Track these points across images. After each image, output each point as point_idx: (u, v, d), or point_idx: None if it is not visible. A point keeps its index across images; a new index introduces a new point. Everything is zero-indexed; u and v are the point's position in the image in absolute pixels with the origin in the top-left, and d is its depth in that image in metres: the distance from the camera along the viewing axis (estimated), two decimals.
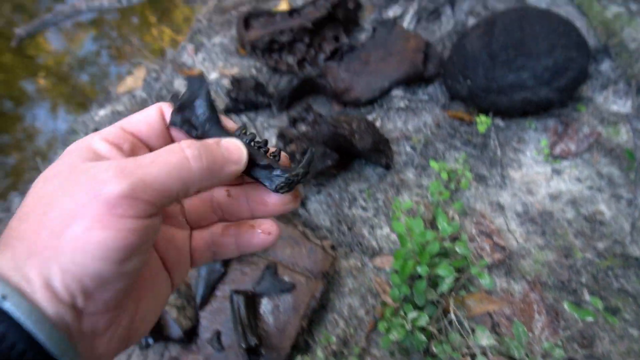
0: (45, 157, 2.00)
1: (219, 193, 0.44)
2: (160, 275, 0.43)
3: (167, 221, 0.43)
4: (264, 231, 0.45)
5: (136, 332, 0.39)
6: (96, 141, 0.38)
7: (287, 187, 0.41)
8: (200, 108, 0.40)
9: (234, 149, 0.39)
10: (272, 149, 0.42)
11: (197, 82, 0.38)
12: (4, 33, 2.68)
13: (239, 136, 0.41)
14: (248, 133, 0.42)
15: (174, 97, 0.36)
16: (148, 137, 0.41)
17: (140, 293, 0.39)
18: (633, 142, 1.26)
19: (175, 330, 1.23)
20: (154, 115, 0.41)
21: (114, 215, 0.31)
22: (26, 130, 2.19)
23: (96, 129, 1.84)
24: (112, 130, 0.39)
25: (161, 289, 0.43)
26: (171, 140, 0.42)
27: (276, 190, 0.41)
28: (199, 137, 0.40)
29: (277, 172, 0.41)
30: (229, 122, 0.43)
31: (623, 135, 1.33)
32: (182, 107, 0.40)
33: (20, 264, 0.31)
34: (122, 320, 0.37)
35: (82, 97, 2.26)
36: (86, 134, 1.82)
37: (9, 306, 0.29)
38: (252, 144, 0.41)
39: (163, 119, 0.41)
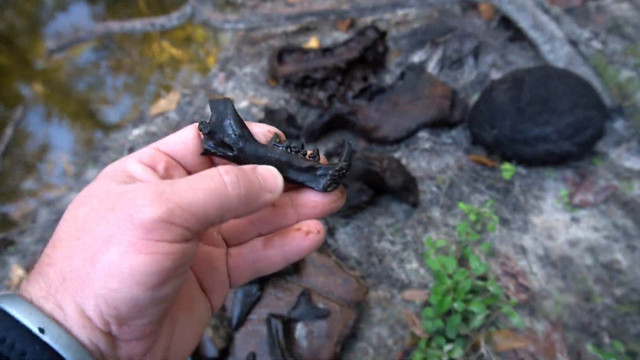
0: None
1: None
2: (198, 299, 0.42)
3: (202, 239, 0.42)
4: (312, 231, 0.43)
5: (174, 358, 0.38)
6: (130, 163, 0.38)
7: (334, 183, 0.41)
8: (229, 128, 0.40)
9: (270, 177, 0.39)
10: (309, 152, 0.42)
11: (221, 102, 0.40)
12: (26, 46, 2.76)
13: (274, 146, 0.41)
14: (283, 141, 0.42)
15: (202, 125, 0.39)
16: (183, 157, 0.41)
17: (177, 318, 0.39)
18: None
19: (211, 350, 1.28)
20: (189, 135, 0.41)
21: (149, 239, 0.31)
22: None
23: (132, 148, 1.91)
24: (146, 151, 0.39)
25: (200, 312, 0.41)
26: (207, 161, 0.42)
27: (324, 189, 0.41)
28: (236, 157, 0.41)
29: (321, 171, 0.41)
30: (261, 127, 0.43)
31: (636, 190, 1.44)
32: (212, 132, 0.40)
33: (53, 291, 0.32)
34: (159, 346, 0.36)
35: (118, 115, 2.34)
36: (120, 152, 1.89)
37: (48, 339, 0.30)
38: (289, 150, 0.42)
39: (199, 138, 0.41)
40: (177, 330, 0.38)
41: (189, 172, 0.42)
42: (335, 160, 0.44)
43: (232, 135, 0.40)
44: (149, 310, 0.32)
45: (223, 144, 0.41)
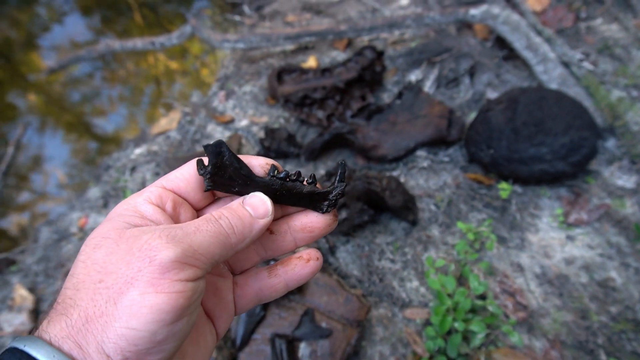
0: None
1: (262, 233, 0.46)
2: (205, 327, 0.45)
3: (211, 271, 0.44)
4: (312, 258, 0.47)
5: None
6: (141, 203, 0.41)
7: (334, 205, 0.46)
8: (229, 167, 0.43)
9: (259, 204, 0.43)
10: (306, 179, 0.47)
11: (216, 145, 0.42)
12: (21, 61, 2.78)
13: (272, 177, 0.45)
14: (280, 172, 0.46)
15: (201, 170, 0.41)
16: (187, 193, 0.44)
17: (186, 349, 0.41)
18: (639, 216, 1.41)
19: None
20: (190, 172, 0.44)
21: (166, 279, 0.34)
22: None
23: (134, 168, 1.93)
24: (154, 191, 0.42)
25: (206, 340, 0.44)
26: (210, 195, 0.46)
27: (325, 211, 0.46)
28: (238, 192, 0.45)
29: (319, 196, 0.46)
30: (259, 160, 0.46)
31: (629, 208, 1.48)
32: (213, 172, 0.43)
33: (74, 332, 0.34)
34: None
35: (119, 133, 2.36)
36: (122, 171, 1.91)
37: None
38: (288, 179, 0.45)
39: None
40: (187, 358, 0.41)
41: (194, 207, 0.46)
42: (333, 180, 0.48)
43: (233, 173, 0.44)
44: (166, 345, 0.35)
45: (224, 182, 0.44)
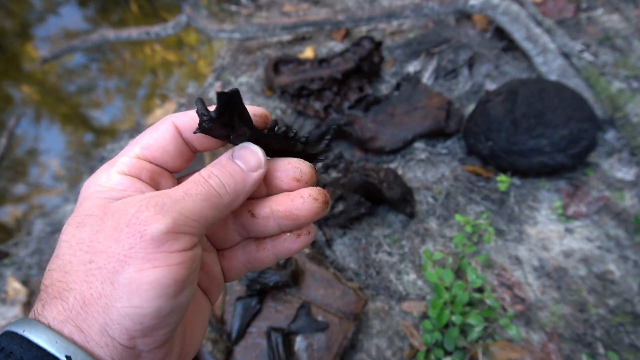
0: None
1: (241, 216, 0.43)
2: (201, 300, 0.43)
3: None
4: (303, 232, 0.44)
5: (187, 356, 0.40)
6: (114, 175, 0.38)
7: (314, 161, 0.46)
8: (236, 116, 0.38)
9: (250, 156, 0.40)
10: (301, 136, 0.45)
11: (230, 94, 0.38)
12: (17, 51, 2.74)
13: (271, 130, 0.42)
14: (280, 127, 0.43)
15: (198, 102, 0.37)
16: (164, 162, 0.41)
17: (186, 321, 0.40)
18: (639, 209, 1.40)
19: None
20: (166, 137, 0.40)
21: (162, 252, 0.32)
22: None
23: None
24: (126, 162, 0.39)
25: (203, 309, 0.43)
26: (188, 156, 0.42)
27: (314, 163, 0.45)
28: (232, 140, 0.41)
29: (309, 157, 0.46)
30: (257, 111, 0.42)
31: (628, 201, 1.47)
32: (217, 116, 0.37)
33: (73, 315, 0.32)
34: (175, 349, 0.38)
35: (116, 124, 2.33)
36: None
37: None
38: (286, 136, 0.43)
39: (178, 136, 0.40)
40: (187, 331, 0.40)
41: (172, 172, 0.42)
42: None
43: (235, 124, 0.39)
44: (171, 318, 0.34)
45: (220, 129, 0.39)
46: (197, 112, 0.38)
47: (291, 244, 0.44)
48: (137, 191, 0.38)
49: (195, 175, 0.38)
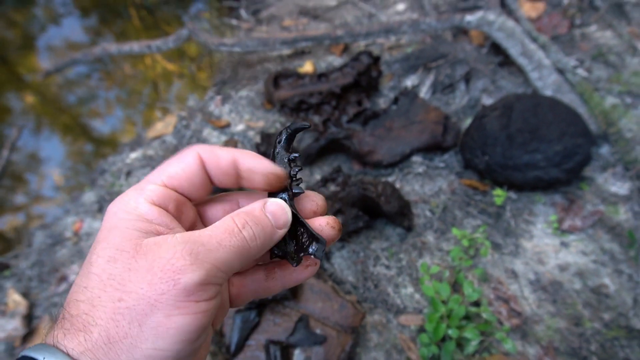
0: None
1: None
2: (208, 329, 0.46)
3: None
4: (310, 264, 0.46)
5: None
6: (142, 204, 0.39)
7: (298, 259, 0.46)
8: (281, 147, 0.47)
9: (281, 214, 0.42)
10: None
11: (294, 128, 0.46)
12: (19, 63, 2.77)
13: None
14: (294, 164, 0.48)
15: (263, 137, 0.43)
16: (189, 192, 0.42)
17: None
18: (633, 223, 1.42)
19: None
20: (193, 168, 0.42)
21: (191, 301, 0.34)
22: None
23: (129, 172, 1.93)
24: (155, 190, 0.40)
25: (207, 338, 0.45)
26: (209, 191, 0.45)
27: (297, 262, 0.45)
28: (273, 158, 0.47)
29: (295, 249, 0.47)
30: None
31: (622, 215, 1.49)
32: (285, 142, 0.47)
33: (95, 349, 0.33)
34: None
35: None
36: (117, 175, 1.90)
37: None
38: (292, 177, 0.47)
39: (203, 169, 0.42)
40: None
41: (193, 201, 0.45)
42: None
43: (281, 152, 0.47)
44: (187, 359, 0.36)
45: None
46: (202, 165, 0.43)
47: (299, 274, 0.46)
48: (165, 225, 0.39)
49: (229, 223, 0.39)
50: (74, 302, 0.36)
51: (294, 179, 0.46)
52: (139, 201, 0.39)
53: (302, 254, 0.45)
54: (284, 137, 0.47)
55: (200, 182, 0.42)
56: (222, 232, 0.38)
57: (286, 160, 0.46)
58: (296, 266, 0.44)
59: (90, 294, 0.35)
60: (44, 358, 0.33)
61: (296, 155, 0.47)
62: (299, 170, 0.46)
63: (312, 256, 0.45)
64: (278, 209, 0.42)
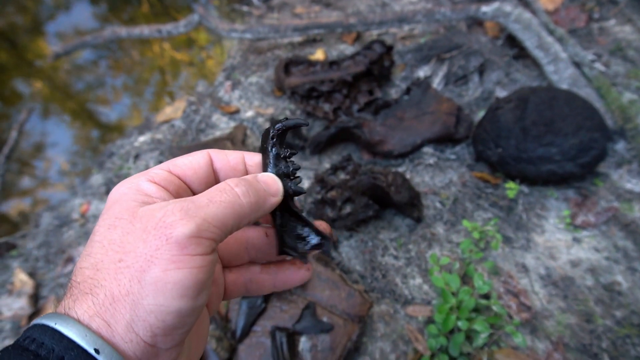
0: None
1: (257, 235, 0.48)
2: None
3: None
4: (304, 268, 0.48)
5: (194, 359, 0.43)
6: (144, 183, 0.41)
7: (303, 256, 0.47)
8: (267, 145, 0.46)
9: (271, 183, 0.44)
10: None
11: (280, 124, 0.46)
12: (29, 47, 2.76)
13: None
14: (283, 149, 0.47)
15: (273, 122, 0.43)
16: (192, 182, 0.44)
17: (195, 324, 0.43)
18: None
19: None
20: (201, 162, 0.44)
21: (185, 255, 0.34)
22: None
23: (137, 155, 1.92)
24: (159, 173, 0.42)
25: (205, 318, 0.46)
26: (214, 184, 0.46)
27: (297, 256, 0.46)
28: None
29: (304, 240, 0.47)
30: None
31: (636, 212, 1.46)
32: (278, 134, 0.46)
33: (102, 310, 0.34)
34: (185, 350, 0.40)
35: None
36: (125, 159, 1.90)
37: (102, 359, 0.32)
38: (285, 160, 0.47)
39: (210, 165, 0.45)
40: (194, 334, 0.43)
41: (194, 194, 0.45)
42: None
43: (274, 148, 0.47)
44: (190, 319, 0.36)
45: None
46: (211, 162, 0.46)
47: (291, 274, 0.48)
48: (162, 199, 0.40)
49: (221, 184, 0.40)
50: (79, 270, 0.37)
51: (292, 177, 0.46)
52: (141, 179, 0.41)
53: (308, 248, 0.46)
54: (277, 133, 0.46)
55: (205, 175, 0.45)
56: (213, 190, 0.39)
57: (281, 156, 0.46)
58: (305, 262, 0.47)
59: (93, 260, 0.36)
60: (55, 324, 0.33)
61: (293, 152, 0.47)
62: (298, 168, 0.46)
63: (320, 251, 0.46)
64: (269, 178, 0.44)
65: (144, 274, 0.34)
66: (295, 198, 0.51)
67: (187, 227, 0.35)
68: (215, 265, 0.38)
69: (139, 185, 0.41)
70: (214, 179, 0.45)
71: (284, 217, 0.46)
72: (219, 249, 0.48)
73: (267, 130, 0.46)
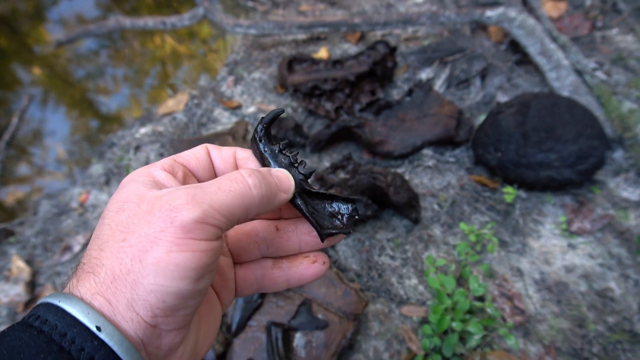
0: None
1: (267, 229, 0.48)
2: (213, 298, 0.47)
3: None
4: (319, 261, 0.48)
5: (200, 350, 0.43)
6: (154, 170, 0.42)
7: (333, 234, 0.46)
8: (256, 143, 0.48)
9: (284, 179, 0.44)
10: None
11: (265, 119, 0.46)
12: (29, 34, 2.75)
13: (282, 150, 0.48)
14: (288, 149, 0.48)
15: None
16: (196, 169, 0.46)
17: (201, 312, 0.43)
18: None
19: (209, 354, 1.29)
20: (201, 152, 0.46)
21: (189, 238, 0.35)
22: None
23: (138, 147, 1.92)
24: (166, 161, 0.44)
25: (216, 310, 0.46)
26: (212, 175, 0.47)
27: (323, 239, 0.46)
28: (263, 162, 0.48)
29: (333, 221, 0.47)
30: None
31: (632, 221, 1.48)
32: (262, 133, 0.47)
33: (103, 289, 0.35)
34: (191, 337, 0.40)
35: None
36: (126, 149, 1.90)
37: (104, 336, 0.33)
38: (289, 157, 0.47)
39: (209, 156, 0.47)
40: (202, 322, 0.43)
41: (200, 182, 0.47)
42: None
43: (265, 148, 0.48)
44: (191, 301, 0.36)
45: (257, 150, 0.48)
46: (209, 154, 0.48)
47: (305, 269, 0.47)
48: (171, 185, 0.41)
49: (233, 173, 0.41)
50: (87, 252, 0.38)
51: (296, 163, 0.47)
52: (151, 167, 0.43)
53: (346, 220, 0.46)
54: (262, 133, 0.47)
55: (207, 164, 0.46)
56: (224, 179, 0.40)
57: (277, 151, 0.47)
58: (349, 234, 0.47)
59: (100, 241, 0.37)
60: (59, 301, 0.34)
61: (285, 142, 0.48)
62: (297, 153, 0.47)
63: (357, 216, 0.46)
64: (282, 174, 0.44)
65: (146, 254, 0.34)
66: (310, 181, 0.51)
67: (193, 212, 0.35)
68: (220, 253, 0.38)
69: (149, 172, 0.42)
70: (212, 168, 0.47)
71: (309, 204, 0.47)
72: (228, 243, 0.49)
73: (254, 137, 0.47)
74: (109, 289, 0.34)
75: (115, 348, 0.33)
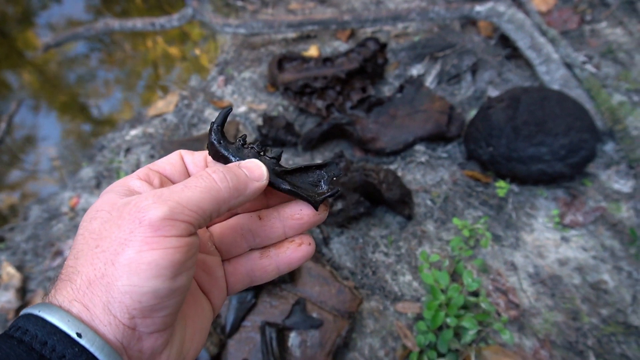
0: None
1: (250, 219, 0.49)
2: (201, 299, 0.46)
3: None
4: (304, 242, 0.48)
5: (188, 353, 0.43)
6: (130, 180, 0.43)
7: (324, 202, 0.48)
8: (214, 147, 0.48)
9: (254, 168, 0.44)
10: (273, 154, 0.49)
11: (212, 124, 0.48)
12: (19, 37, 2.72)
13: (243, 144, 0.49)
14: (251, 146, 0.49)
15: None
16: (172, 175, 0.47)
17: (187, 314, 0.43)
18: (635, 221, 1.42)
19: (203, 356, 1.28)
20: (175, 158, 0.48)
21: (159, 236, 0.35)
22: None
23: (128, 149, 1.90)
24: (142, 171, 0.45)
25: (204, 311, 0.46)
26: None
27: (316, 206, 0.47)
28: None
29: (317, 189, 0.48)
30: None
31: (624, 212, 1.48)
32: (216, 139, 0.48)
33: (80, 295, 0.35)
34: (175, 340, 0.40)
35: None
36: (117, 152, 1.88)
37: (84, 342, 0.33)
38: (258, 151, 0.48)
39: (183, 161, 0.48)
40: (188, 325, 0.43)
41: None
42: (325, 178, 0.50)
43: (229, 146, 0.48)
44: (168, 301, 0.36)
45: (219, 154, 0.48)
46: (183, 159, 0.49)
47: (292, 253, 0.48)
48: (145, 192, 0.41)
49: (199, 172, 0.42)
50: (65, 263, 0.38)
51: (262, 152, 0.48)
52: (127, 178, 0.44)
53: (327, 182, 0.48)
54: (218, 136, 0.47)
55: (182, 169, 0.48)
56: (190, 178, 0.41)
57: (240, 147, 0.47)
58: (335, 196, 0.49)
59: (75, 251, 0.38)
60: (39, 311, 0.35)
61: (244, 135, 0.49)
62: (258, 142, 0.48)
63: (337, 174, 0.49)
64: (252, 164, 0.45)
65: (117, 256, 0.35)
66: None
67: (160, 210, 0.35)
68: (196, 249, 0.38)
69: (125, 182, 0.43)
70: (187, 172, 0.48)
71: (289, 182, 0.47)
72: (215, 242, 0.49)
73: (211, 143, 0.47)
74: (86, 295, 0.35)
75: (96, 354, 0.33)
